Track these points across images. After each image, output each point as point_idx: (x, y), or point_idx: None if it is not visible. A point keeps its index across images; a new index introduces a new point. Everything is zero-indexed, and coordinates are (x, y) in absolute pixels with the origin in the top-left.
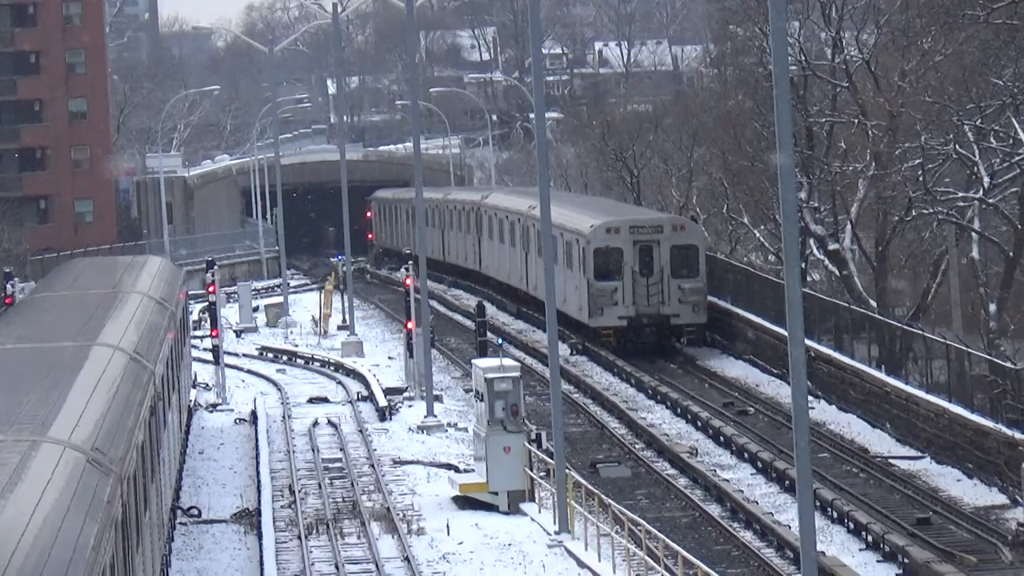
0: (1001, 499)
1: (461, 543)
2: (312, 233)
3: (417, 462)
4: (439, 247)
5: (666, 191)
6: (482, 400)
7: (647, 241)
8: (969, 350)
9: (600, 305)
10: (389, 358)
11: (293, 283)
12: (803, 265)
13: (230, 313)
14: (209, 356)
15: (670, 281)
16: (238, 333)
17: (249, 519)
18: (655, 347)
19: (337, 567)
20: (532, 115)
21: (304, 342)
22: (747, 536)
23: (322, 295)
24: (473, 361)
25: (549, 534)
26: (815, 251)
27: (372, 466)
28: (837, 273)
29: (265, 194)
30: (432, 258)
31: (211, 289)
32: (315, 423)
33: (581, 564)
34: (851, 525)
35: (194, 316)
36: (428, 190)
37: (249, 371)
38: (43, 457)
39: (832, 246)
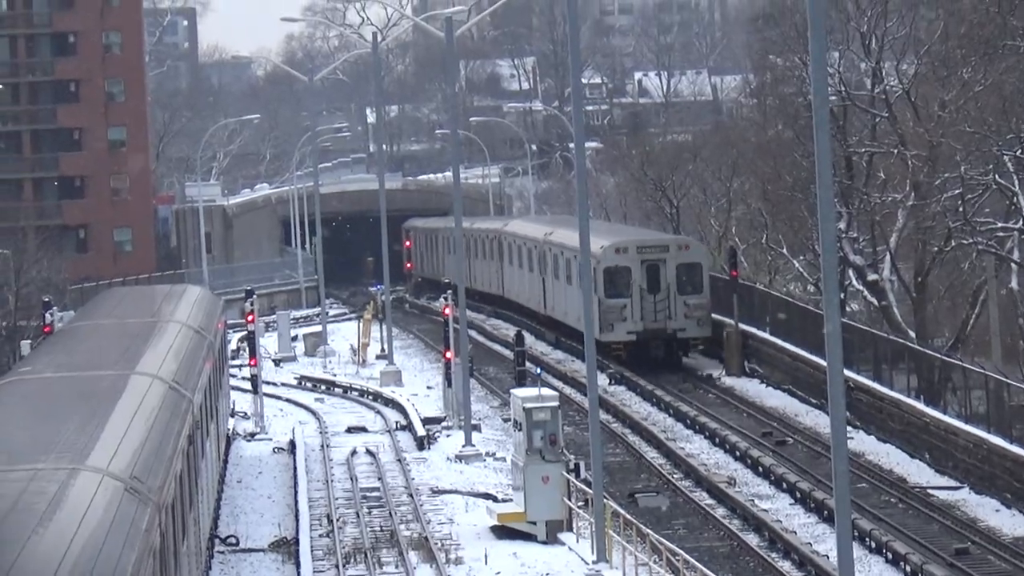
0: None
1: (499, 573)
2: (351, 262)
3: (455, 491)
4: (467, 274)
5: (705, 221)
6: (520, 429)
7: (654, 260)
8: (1008, 381)
9: (610, 321)
10: (428, 387)
11: (332, 312)
12: (842, 295)
13: (269, 342)
14: (248, 385)
15: (676, 297)
16: (277, 362)
17: (287, 548)
18: (663, 360)
19: None
20: (572, 144)
21: (342, 371)
22: (785, 566)
23: (361, 324)
24: (511, 391)
25: (587, 564)
26: (854, 281)
27: (410, 495)
28: (876, 303)
29: (304, 223)
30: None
31: (250, 318)
32: (353, 452)
33: None
34: (889, 555)
35: (233, 345)
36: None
37: (287, 400)
38: (81, 485)
39: (871, 276)
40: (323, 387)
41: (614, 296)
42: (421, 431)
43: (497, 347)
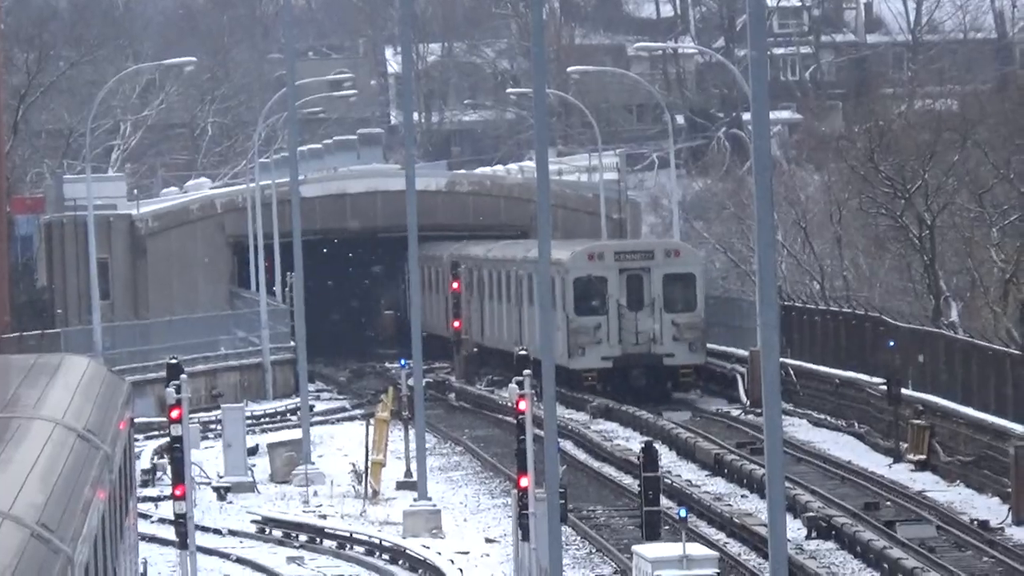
0: None
1: None
2: (355, 318)
3: None
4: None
5: (981, 252)
6: None
7: (636, 269)
8: None
9: (581, 344)
10: (487, 540)
11: (320, 407)
12: None
13: (207, 457)
14: (171, 532)
15: (663, 315)
16: (222, 493)
17: None
18: (645, 391)
19: None
20: (747, 115)
21: (339, 510)
22: None
23: (372, 428)
24: (635, 548)
25: None
26: None
27: None
28: None
29: (275, 248)
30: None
31: (175, 414)
32: None
33: None
34: None
35: (145, 462)
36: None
37: (239, 561)
38: None
39: None
40: (304, 538)
41: (586, 313)
42: None
43: (609, 470)
